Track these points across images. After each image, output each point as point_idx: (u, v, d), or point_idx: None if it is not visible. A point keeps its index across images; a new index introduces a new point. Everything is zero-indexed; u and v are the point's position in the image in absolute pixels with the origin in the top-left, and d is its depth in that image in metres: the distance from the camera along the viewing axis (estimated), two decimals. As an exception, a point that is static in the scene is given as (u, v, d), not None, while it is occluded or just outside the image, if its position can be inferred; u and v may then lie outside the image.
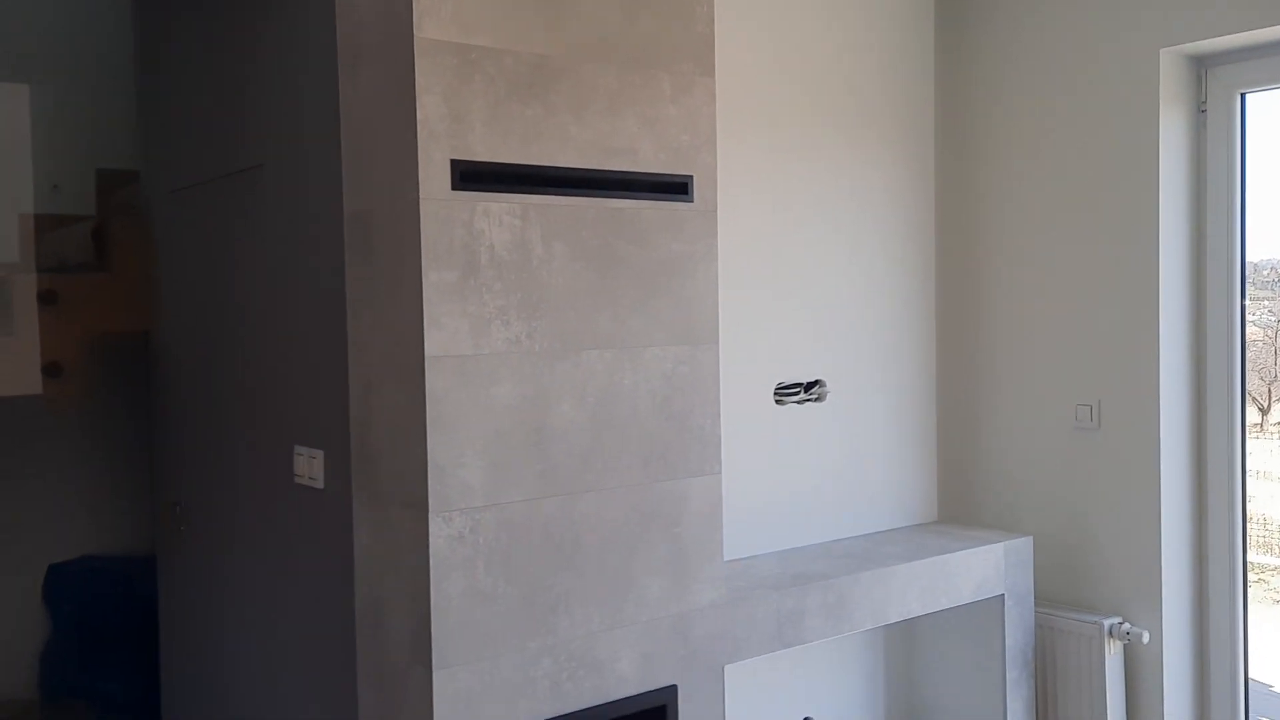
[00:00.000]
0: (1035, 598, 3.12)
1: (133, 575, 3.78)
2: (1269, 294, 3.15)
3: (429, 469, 2.02)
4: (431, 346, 2.01)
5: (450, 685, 2.03)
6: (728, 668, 2.76)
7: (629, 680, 2.27)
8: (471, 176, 2.05)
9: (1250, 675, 3.04)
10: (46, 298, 3.56)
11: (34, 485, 3.77)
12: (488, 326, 2.07)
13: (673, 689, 2.33)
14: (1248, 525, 3.02)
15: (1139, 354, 2.96)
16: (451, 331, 2.03)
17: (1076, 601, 3.12)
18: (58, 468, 3.77)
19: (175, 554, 3.22)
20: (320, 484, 2.37)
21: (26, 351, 3.59)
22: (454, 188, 2.03)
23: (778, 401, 2.94)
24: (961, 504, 3.34)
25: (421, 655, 2.05)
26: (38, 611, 3.94)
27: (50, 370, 3.61)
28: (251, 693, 2.76)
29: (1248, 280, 2.98)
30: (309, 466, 2.40)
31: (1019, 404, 3.23)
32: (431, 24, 2.00)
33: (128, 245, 3.60)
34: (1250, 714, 3.05)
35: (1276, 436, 3.28)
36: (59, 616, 3.95)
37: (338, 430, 2.29)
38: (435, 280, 2.00)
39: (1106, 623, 2.96)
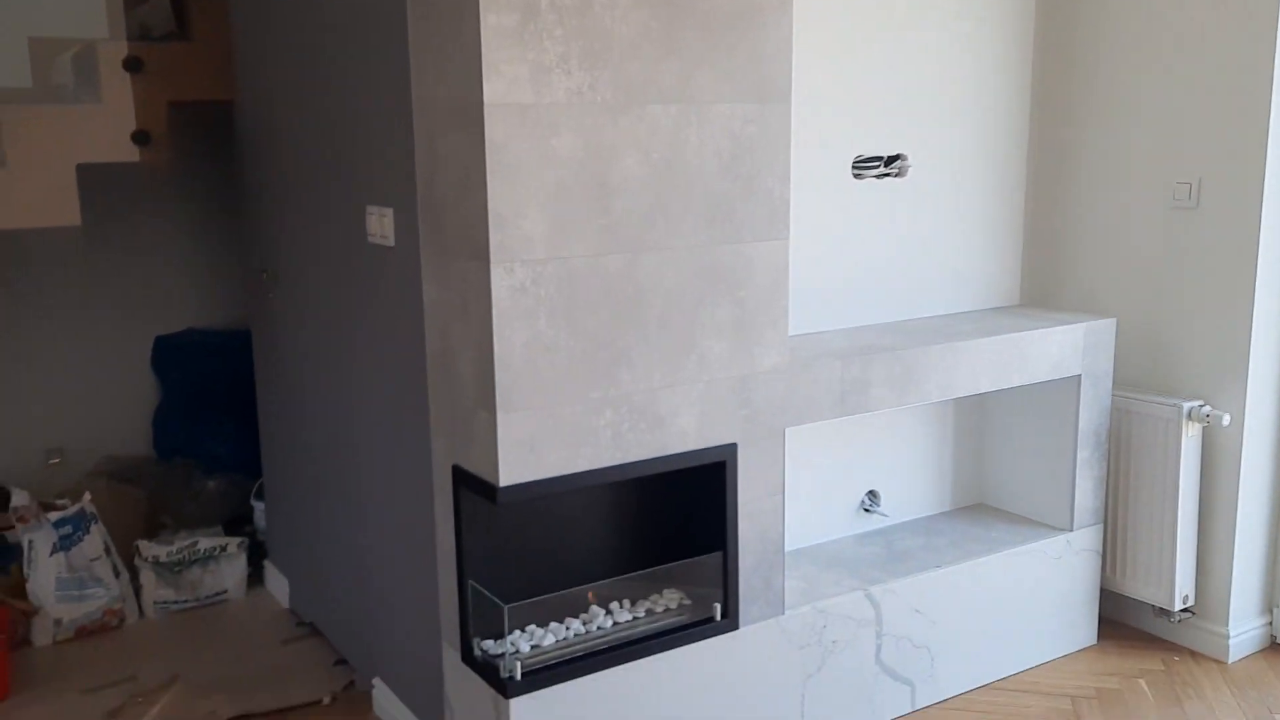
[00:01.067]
0: (1113, 381, 3.07)
1: (233, 348, 3.96)
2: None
3: (490, 219, 2.03)
4: (490, 94, 1.99)
5: (514, 429, 2.10)
6: (792, 436, 2.80)
7: (689, 435, 2.32)
8: (531, -84, 1.98)
9: (1333, 463, 2.98)
10: (132, 65, 3.61)
11: (140, 261, 3.93)
12: (548, 75, 2.04)
13: (732, 447, 2.38)
14: (1347, 311, 2.90)
15: (1247, 130, 2.79)
16: (511, 79, 2.01)
17: (1156, 386, 3.06)
18: (159, 241, 3.92)
19: (265, 320, 3.34)
20: (391, 241, 2.42)
21: (116, 118, 3.68)
22: (513, -72, 1.98)
23: (855, 175, 2.87)
24: (1045, 287, 3.26)
25: (486, 400, 2.12)
26: (149, 379, 4.17)
27: (139, 138, 3.70)
28: (334, 445, 2.91)
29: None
30: (380, 225, 2.45)
31: (1113, 182, 3.10)
32: None
33: (210, 14, 3.61)
34: (1329, 501, 3.01)
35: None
36: (167, 383, 4.18)
37: (406, 187, 2.32)
38: (494, 24, 1.97)
39: (1186, 405, 2.90)
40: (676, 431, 2.30)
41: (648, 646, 2.34)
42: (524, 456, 2.12)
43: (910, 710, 2.79)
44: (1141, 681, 2.92)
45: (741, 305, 2.35)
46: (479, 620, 2.29)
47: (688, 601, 2.49)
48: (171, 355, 4.15)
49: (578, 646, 2.32)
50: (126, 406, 4.13)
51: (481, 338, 2.11)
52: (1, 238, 3.67)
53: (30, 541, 3.24)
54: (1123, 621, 3.24)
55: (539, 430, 2.13)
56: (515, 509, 2.36)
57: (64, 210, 3.78)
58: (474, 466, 2.20)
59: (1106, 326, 2.98)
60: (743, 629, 2.47)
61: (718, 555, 2.43)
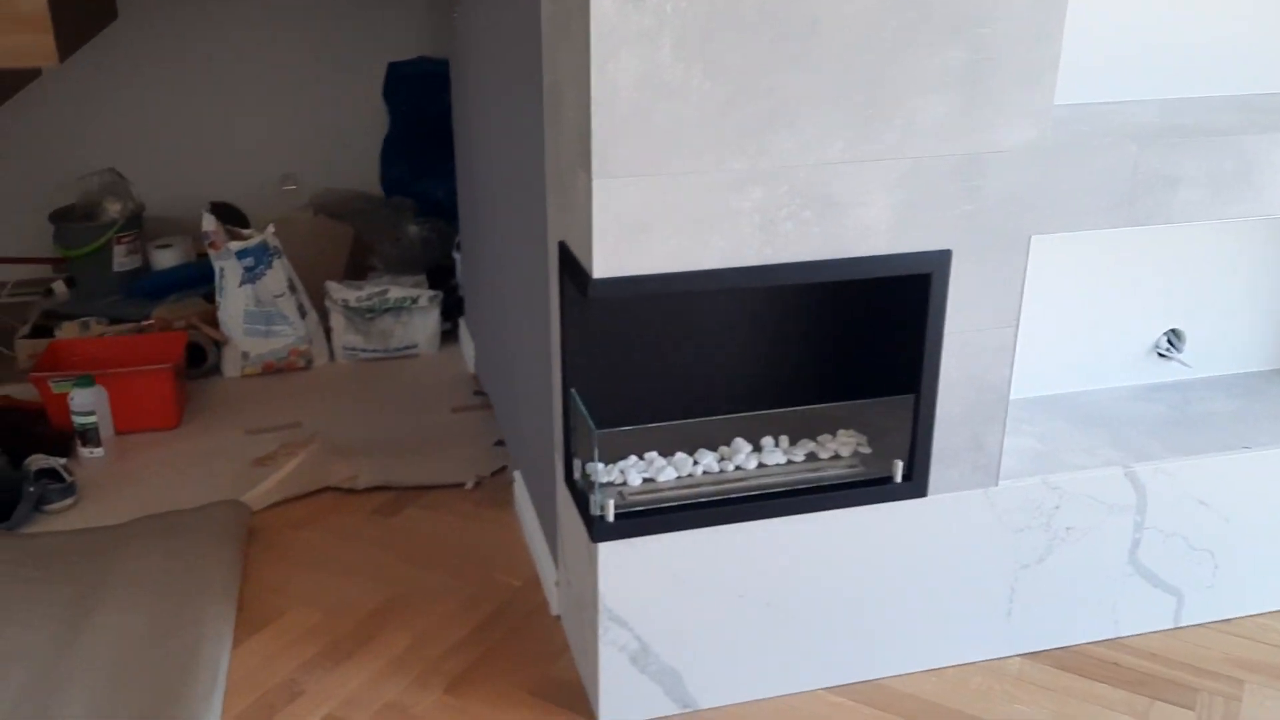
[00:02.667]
0: None
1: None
2: None
3: (592, -107, 1.41)
4: None
5: (614, 200, 1.54)
6: (1037, 243, 2.05)
7: (878, 233, 1.66)
8: None
9: None
10: None
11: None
12: None
13: (943, 255, 1.69)
14: None
15: None
16: None
17: None
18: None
19: (452, 50, 2.91)
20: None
21: None
22: None
23: None
24: None
25: (583, 156, 1.56)
26: (380, 109, 3.90)
27: None
28: (488, 200, 2.46)
29: None
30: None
31: None
32: None
33: None
34: None
35: None
36: (396, 115, 3.88)
37: None
38: None
39: None
40: (859, 227, 1.65)
41: (793, 503, 1.78)
42: (629, 239, 1.56)
43: (1172, 626, 2.09)
44: None
45: (979, 46, 1.60)
46: (582, 438, 1.81)
47: (866, 450, 1.89)
48: (402, 84, 3.83)
49: (706, 488, 1.80)
50: (358, 137, 3.89)
51: (579, 68, 1.53)
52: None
53: (221, 270, 3.08)
54: None
55: (653, 206, 1.55)
56: (635, 311, 1.82)
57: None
58: (574, 245, 1.67)
59: None
60: (932, 497, 1.85)
61: (907, 399, 1.79)
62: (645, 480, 1.80)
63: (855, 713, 1.87)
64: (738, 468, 1.84)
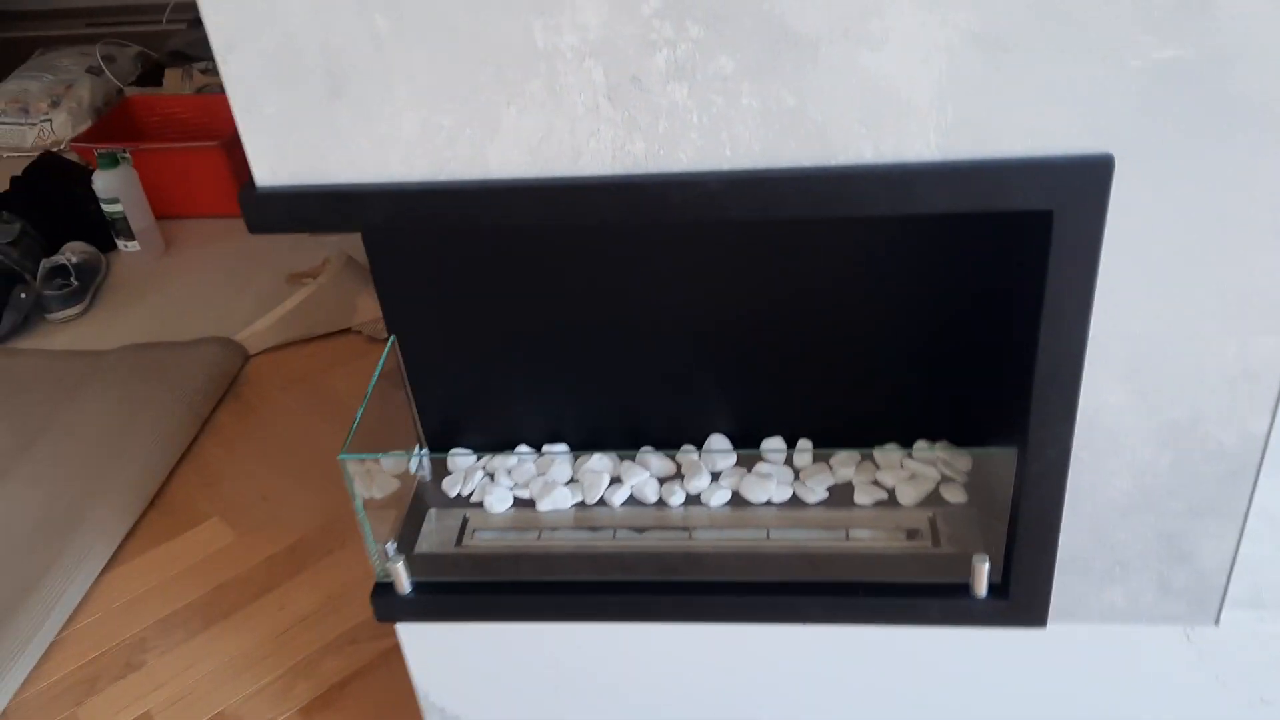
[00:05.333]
0: None
1: None
2: None
3: None
4: None
5: (276, 21, 0.70)
6: None
7: (918, 119, 0.69)
8: None
9: None
10: None
11: None
12: None
13: (1097, 167, 0.69)
14: None
15: None
16: None
17: None
18: None
19: None
20: None
21: None
22: None
23: None
24: None
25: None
26: None
27: None
28: None
29: None
30: None
31: None
32: None
33: None
34: None
35: None
36: None
37: None
38: None
39: None
40: (871, 104, 0.69)
41: (779, 604, 0.94)
42: (322, 111, 0.73)
43: None
44: None
45: None
46: (427, 416, 1.06)
47: (957, 491, 0.98)
48: None
49: (612, 537, 1.00)
50: None
51: None
52: None
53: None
54: None
55: (360, 43, 0.70)
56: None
57: None
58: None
59: None
60: (1062, 628, 0.92)
61: (1005, 454, 0.85)
62: (516, 504, 1.03)
63: None
64: (691, 499, 1.01)
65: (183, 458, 1.72)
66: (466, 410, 1.05)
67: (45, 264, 2.10)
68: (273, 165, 0.74)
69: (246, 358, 1.93)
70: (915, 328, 0.97)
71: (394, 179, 0.73)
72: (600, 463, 1.02)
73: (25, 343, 2.04)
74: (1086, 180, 0.69)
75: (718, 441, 1.04)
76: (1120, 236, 0.72)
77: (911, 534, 0.96)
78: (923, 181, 0.70)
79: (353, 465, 0.88)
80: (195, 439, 1.76)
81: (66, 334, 2.05)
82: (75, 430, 1.76)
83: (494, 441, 1.07)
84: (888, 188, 0.70)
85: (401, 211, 0.74)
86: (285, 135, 0.73)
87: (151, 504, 1.65)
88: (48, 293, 2.06)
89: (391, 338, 1.00)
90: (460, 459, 1.06)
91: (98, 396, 1.84)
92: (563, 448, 1.06)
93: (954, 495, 0.98)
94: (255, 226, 0.75)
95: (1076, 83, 0.67)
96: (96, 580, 1.53)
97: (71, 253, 2.14)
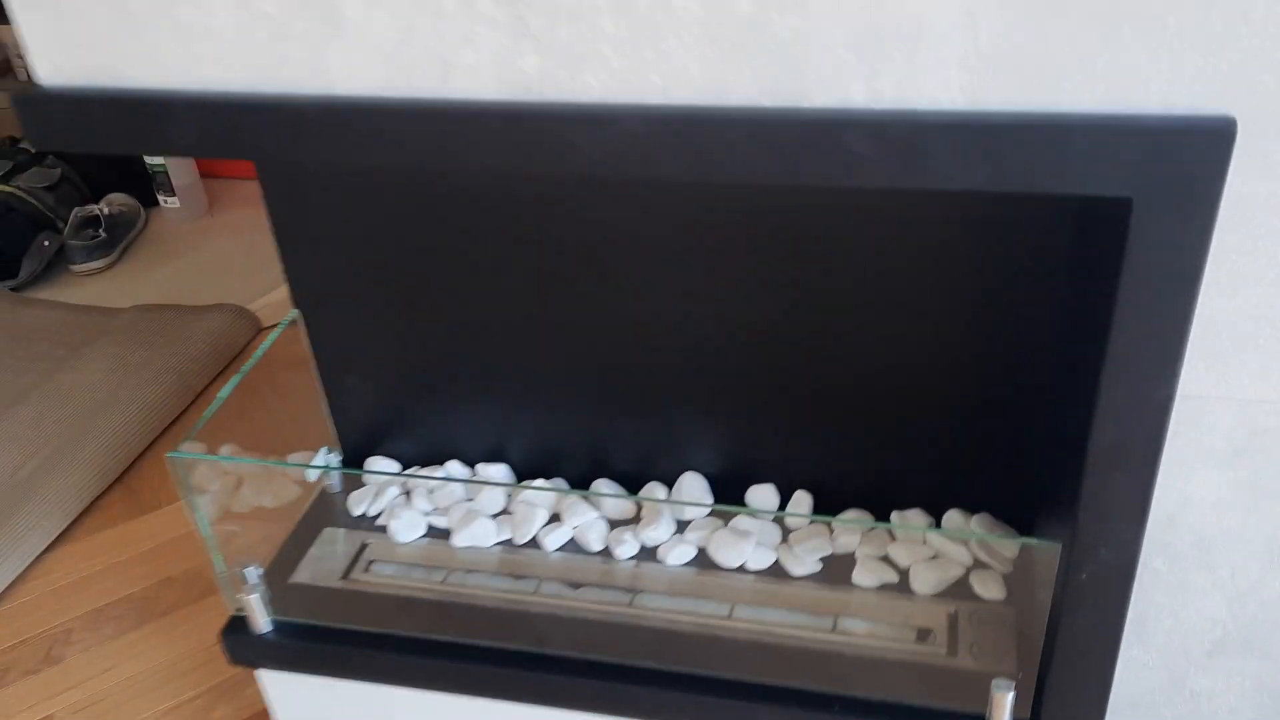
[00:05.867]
0: None
1: None
2: None
3: None
4: None
5: None
6: None
7: (940, 73, 0.46)
8: None
9: None
10: None
11: None
12: None
13: (1215, 134, 0.45)
14: None
15: None
16: None
17: None
18: None
19: None
20: None
21: None
22: None
23: None
24: None
25: None
26: None
27: None
28: None
29: None
30: None
31: None
32: None
33: None
34: None
35: None
36: None
37: None
38: None
39: None
40: (898, 19, 0.46)
41: (695, 706, 0.71)
42: (106, -13, 0.53)
43: None
44: None
45: None
46: (343, 415, 0.86)
47: (994, 580, 0.74)
48: None
49: (540, 589, 0.78)
50: None
51: None
52: None
53: None
54: None
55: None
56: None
57: None
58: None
59: None
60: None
61: (1049, 549, 0.61)
62: (430, 534, 0.82)
63: None
64: (646, 552, 0.79)
65: (164, 431, 1.57)
66: (393, 412, 0.85)
67: (77, 212, 1.98)
68: (55, 58, 0.55)
69: (259, 329, 1.77)
70: (964, 357, 0.73)
71: (207, 86, 0.54)
72: (538, 495, 0.81)
73: (44, 292, 1.93)
74: (1188, 155, 0.45)
75: (692, 483, 0.82)
76: (1233, 245, 0.48)
77: (922, 634, 0.73)
78: (937, 141, 0.47)
79: (185, 466, 0.69)
80: (184, 412, 1.61)
81: (87, 288, 1.93)
82: (67, 391, 1.63)
83: (424, 453, 0.86)
84: (884, 147, 0.48)
85: (212, 132, 0.54)
86: (67, 14, 0.53)
87: (119, 479, 1.50)
88: (74, 243, 1.95)
89: (293, 313, 0.80)
90: (377, 471, 0.86)
91: (98, 357, 1.70)
92: (503, 469, 0.85)
93: (987, 589, 0.74)
94: (36, 138, 0.56)
95: (1176, 37, 0.43)
96: (40, 557, 1.38)
97: (108, 204, 2.03)
